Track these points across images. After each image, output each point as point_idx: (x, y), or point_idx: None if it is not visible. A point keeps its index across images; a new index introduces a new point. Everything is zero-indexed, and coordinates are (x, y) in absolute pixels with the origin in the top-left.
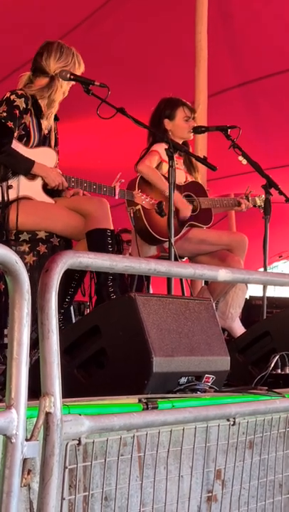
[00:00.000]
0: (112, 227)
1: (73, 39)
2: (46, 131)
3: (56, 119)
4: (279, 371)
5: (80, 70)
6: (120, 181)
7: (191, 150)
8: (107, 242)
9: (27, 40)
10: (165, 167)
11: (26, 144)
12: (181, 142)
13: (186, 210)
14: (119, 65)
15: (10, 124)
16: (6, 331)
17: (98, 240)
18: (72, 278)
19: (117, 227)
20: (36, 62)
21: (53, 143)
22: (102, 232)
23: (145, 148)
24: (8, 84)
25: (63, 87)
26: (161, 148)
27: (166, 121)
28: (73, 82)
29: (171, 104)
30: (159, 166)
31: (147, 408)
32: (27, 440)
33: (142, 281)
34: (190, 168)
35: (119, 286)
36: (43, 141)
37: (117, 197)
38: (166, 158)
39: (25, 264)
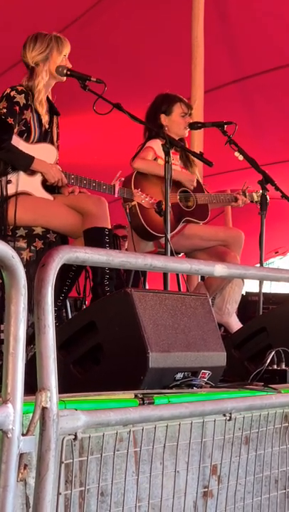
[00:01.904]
0: (110, 226)
1: (69, 35)
2: (47, 126)
3: (57, 113)
4: (275, 367)
5: (63, 49)
6: (120, 180)
7: (187, 146)
8: (105, 241)
9: (22, 36)
10: (160, 163)
11: (27, 140)
12: (177, 139)
13: (190, 180)
14: (115, 61)
15: (10, 120)
16: (2, 327)
17: (96, 239)
18: (67, 276)
19: (112, 223)
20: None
21: (54, 138)
22: (100, 231)
23: (141, 144)
24: (5, 80)
25: (45, 74)
26: (156, 144)
27: (162, 116)
28: (54, 67)
29: (168, 99)
30: None
31: (143, 403)
32: (23, 435)
33: (138, 277)
34: (186, 164)
35: (116, 281)
36: (44, 136)
37: (116, 195)
38: (160, 154)
39: (22, 259)
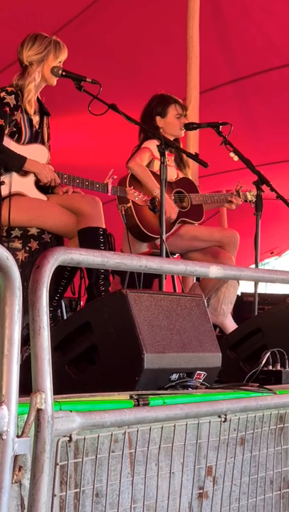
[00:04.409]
0: (104, 226)
1: (65, 35)
2: (37, 126)
3: (47, 114)
4: (270, 368)
5: (59, 56)
6: (113, 178)
7: (182, 147)
8: (100, 240)
9: (19, 35)
10: (157, 164)
11: (18, 141)
12: (172, 139)
13: (172, 211)
14: (110, 61)
15: (0, 121)
16: None
17: (90, 239)
18: (62, 276)
19: (106, 223)
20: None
21: (45, 138)
22: (95, 231)
23: (137, 145)
24: (1, 79)
25: (37, 75)
26: (152, 145)
27: (157, 118)
28: (48, 70)
29: (163, 101)
30: (150, 163)
31: (138, 405)
32: (18, 437)
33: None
34: (180, 165)
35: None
36: (35, 136)
37: (109, 193)
38: (157, 155)
39: (17, 260)
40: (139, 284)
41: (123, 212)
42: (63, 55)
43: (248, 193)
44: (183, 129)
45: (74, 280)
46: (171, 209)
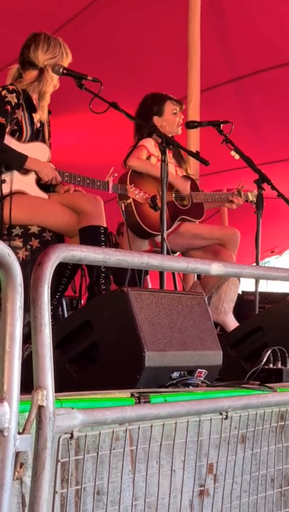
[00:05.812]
0: (105, 225)
1: (66, 34)
2: (38, 125)
3: (49, 112)
4: (271, 366)
5: (67, 60)
6: (113, 175)
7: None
8: (101, 239)
9: (20, 34)
10: (153, 161)
11: (19, 139)
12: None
13: (184, 184)
14: (111, 60)
15: (2, 119)
16: None
17: (91, 237)
18: (63, 274)
19: (108, 223)
20: (24, 54)
21: (46, 136)
22: (96, 230)
23: (132, 145)
24: (1, 78)
25: (54, 80)
26: (148, 142)
27: (155, 118)
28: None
29: (157, 99)
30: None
31: (139, 402)
32: (19, 433)
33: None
34: (180, 161)
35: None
36: (36, 135)
37: (110, 191)
38: (153, 151)
39: (18, 258)
40: (139, 283)
41: (123, 209)
42: (70, 59)
43: (249, 193)
44: (180, 127)
45: (75, 279)
46: (181, 182)
